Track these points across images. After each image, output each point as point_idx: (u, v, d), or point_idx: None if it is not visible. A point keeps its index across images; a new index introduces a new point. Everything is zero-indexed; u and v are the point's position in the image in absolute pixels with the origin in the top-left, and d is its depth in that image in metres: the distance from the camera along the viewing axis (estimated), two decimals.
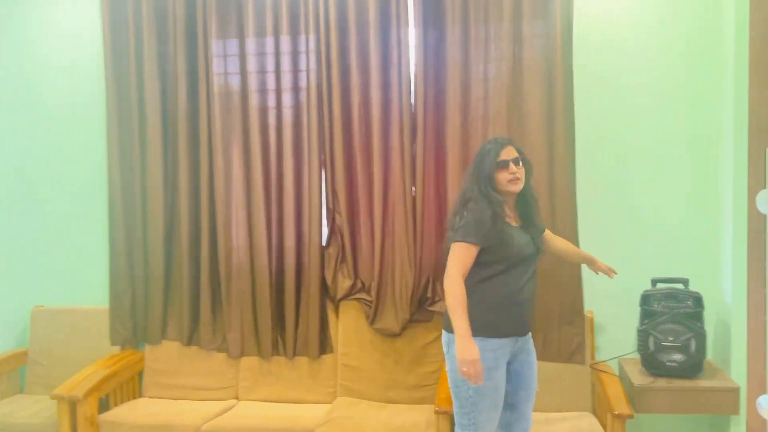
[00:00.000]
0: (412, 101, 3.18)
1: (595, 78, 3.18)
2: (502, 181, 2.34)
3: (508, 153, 2.36)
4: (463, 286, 2.24)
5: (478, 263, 2.29)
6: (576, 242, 3.08)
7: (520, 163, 2.38)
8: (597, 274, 2.75)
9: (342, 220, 3.26)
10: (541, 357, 3.06)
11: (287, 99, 3.30)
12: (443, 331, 2.42)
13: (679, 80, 3.14)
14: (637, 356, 3.10)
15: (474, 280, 2.29)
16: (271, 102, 3.30)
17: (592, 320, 3.19)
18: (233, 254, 3.38)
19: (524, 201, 2.45)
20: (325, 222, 3.34)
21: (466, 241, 2.27)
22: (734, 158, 2.86)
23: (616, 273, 2.73)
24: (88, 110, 3.57)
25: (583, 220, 3.12)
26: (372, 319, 3.24)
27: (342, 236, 3.28)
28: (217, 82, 3.31)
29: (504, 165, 2.33)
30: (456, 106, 3.14)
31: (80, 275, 3.66)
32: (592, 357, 3.18)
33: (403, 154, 3.17)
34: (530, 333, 2.50)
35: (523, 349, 2.46)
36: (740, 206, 2.74)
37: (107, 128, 3.43)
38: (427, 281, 3.25)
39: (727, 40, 2.96)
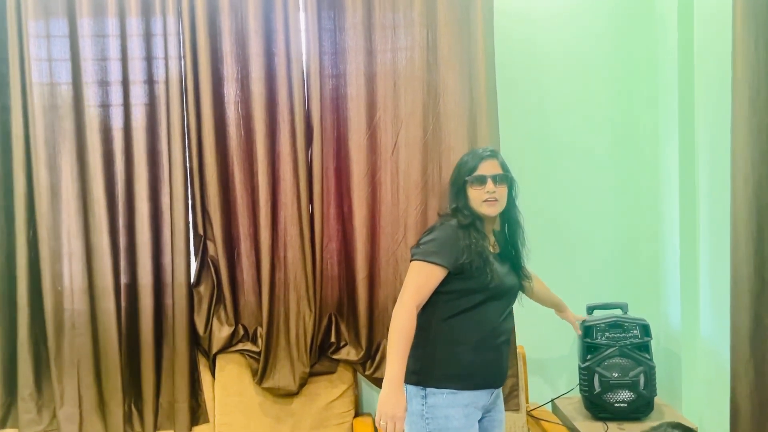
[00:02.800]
0: (306, 96, 2.53)
1: (517, 75, 2.75)
2: (476, 200, 1.92)
3: (488, 167, 1.94)
4: (413, 317, 1.79)
5: (447, 293, 1.87)
6: None
7: (503, 181, 1.95)
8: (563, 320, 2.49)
9: (217, 249, 2.52)
10: None
11: (138, 94, 2.51)
12: (410, 386, 1.88)
13: (611, 73, 2.80)
14: (574, 394, 2.70)
15: (442, 316, 1.88)
16: (115, 97, 2.49)
17: (524, 357, 2.72)
18: (65, 299, 2.51)
19: (506, 227, 2.06)
20: (193, 252, 2.56)
21: (427, 261, 1.83)
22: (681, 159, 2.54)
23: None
24: None
25: None
26: (260, 376, 2.52)
27: (217, 270, 2.54)
28: (36, 69, 2.44)
29: (480, 181, 1.91)
30: (360, 104, 2.55)
31: None
32: (527, 401, 2.70)
33: (296, 164, 2.51)
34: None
35: (495, 404, 2.01)
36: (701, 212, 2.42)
37: None
38: (330, 322, 2.60)
39: (664, 28, 2.64)
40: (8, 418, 2.52)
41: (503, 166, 1.98)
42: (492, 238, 2.01)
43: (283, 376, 2.52)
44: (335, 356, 2.57)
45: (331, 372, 2.59)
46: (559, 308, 2.45)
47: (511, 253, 2.03)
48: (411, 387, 1.85)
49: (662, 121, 2.68)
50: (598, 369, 2.51)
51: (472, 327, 1.88)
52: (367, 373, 2.58)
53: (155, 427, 2.54)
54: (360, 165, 2.55)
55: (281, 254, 2.54)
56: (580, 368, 2.59)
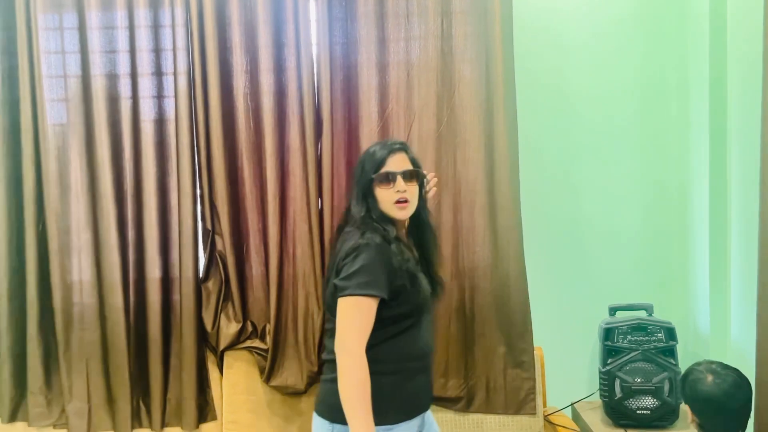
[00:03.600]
0: (315, 88, 2.46)
1: (537, 66, 2.63)
2: (386, 201, 1.71)
3: (397, 163, 1.72)
4: (365, 365, 1.57)
5: (378, 320, 1.64)
6: (521, 263, 2.49)
7: (414, 178, 1.75)
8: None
9: (225, 244, 2.46)
10: (485, 409, 2.49)
11: (146, 86, 2.46)
12: (318, 418, 1.70)
13: (637, 62, 2.66)
14: (593, 399, 2.58)
15: (376, 344, 1.63)
16: (124, 90, 2.45)
17: (542, 359, 2.61)
18: (74, 293, 2.48)
19: (417, 229, 1.85)
20: (201, 247, 2.52)
21: (363, 295, 1.59)
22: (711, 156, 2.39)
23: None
24: None
25: (527, 238, 2.53)
26: (268, 374, 2.46)
27: (225, 266, 2.48)
28: (45, 62, 2.42)
29: (388, 179, 1.70)
30: (371, 95, 2.46)
31: None
32: (545, 405, 2.59)
33: (305, 157, 2.43)
34: None
35: (425, 423, 1.85)
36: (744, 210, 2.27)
37: None
38: None
39: (695, 13, 2.49)
40: (18, 411, 2.51)
41: (413, 161, 1.77)
42: (407, 241, 1.82)
43: (291, 374, 2.46)
44: None
45: None
46: None
47: (425, 259, 1.84)
48: (339, 427, 1.64)
49: (693, 113, 2.53)
50: (619, 374, 2.40)
51: (403, 353, 1.70)
52: None
53: (163, 423, 2.50)
54: None
55: (290, 250, 2.47)
56: (600, 372, 2.48)
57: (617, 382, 2.39)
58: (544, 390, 2.59)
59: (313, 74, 2.45)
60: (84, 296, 2.49)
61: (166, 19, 2.44)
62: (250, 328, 2.51)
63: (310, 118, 2.43)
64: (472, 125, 2.47)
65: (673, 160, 2.63)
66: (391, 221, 1.71)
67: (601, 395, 2.49)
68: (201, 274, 2.51)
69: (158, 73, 2.47)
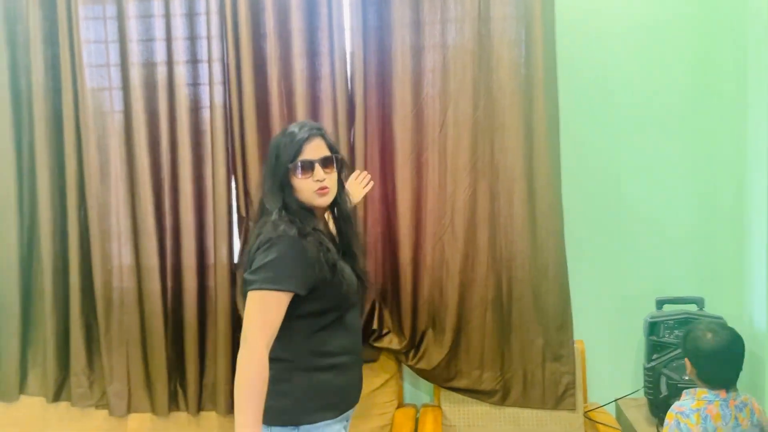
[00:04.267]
0: (348, 73, 2.42)
1: (580, 48, 2.51)
2: (306, 191, 1.61)
3: (314, 150, 1.62)
4: (263, 360, 1.49)
5: (302, 317, 1.59)
6: (561, 252, 2.39)
7: (332, 164, 1.65)
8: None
9: None
10: (522, 403, 2.41)
11: (182, 73, 2.48)
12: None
13: (688, 39, 2.49)
14: (638, 396, 2.47)
15: (301, 342, 1.60)
16: (161, 77, 2.48)
17: (583, 353, 2.51)
18: (113, 278, 2.54)
19: (337, 218, 1.76)
20: (236, 234, 2.53)
21: (270, 289, 1.51)
22: None
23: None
24: None
25: (569, 227, 2.43)
26: None
27: None
28: (86, 51, 2.46)
29: (307, 168, 1.60)
30: (405, 80, 2.40)
31: None
32: (585, 400, 2.49)
33: (338, 143, 2.39)
34: None
35: (349, 421, 1.78)
36: None
37: None
38: (373, 309, 2.49)
39: None
40: (62, 391, 2.60)
41: (331, 146, 1.67)
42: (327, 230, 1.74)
43: None
44: (377, 344, 2.47)
45: (373, 360, 2.49)
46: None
47: (347, 247, 1.74)
48: (277, 429, 1.58)
49: (751, 99, 2.35)
50: (665, 370, 2.27)
51: (336, 346, 1.64)
52: (410, 363, 2.46)
53: (199, 407, 2.54)
54: (405, 145, 2.41)
55: None
56: (644, 368, 2.36)
57: (663, 379, 2.27)
58: (584, 385, 2.50)
59: (346, 59, 2.41)
60: (123, 281, 2.54)
61: (200, 6, 2.45)
62: None
63: (343, 104, 2.40)
64: (510, 110, 2.38)
65: (729, 148, 2.45)
66: (311, 211, 1.64)
67: (645, 392, 2.37)
68: (236, 261, 2.52)
69: (193, 60, 2.48)
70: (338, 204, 1.72)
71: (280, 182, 1.60)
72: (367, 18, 2.41)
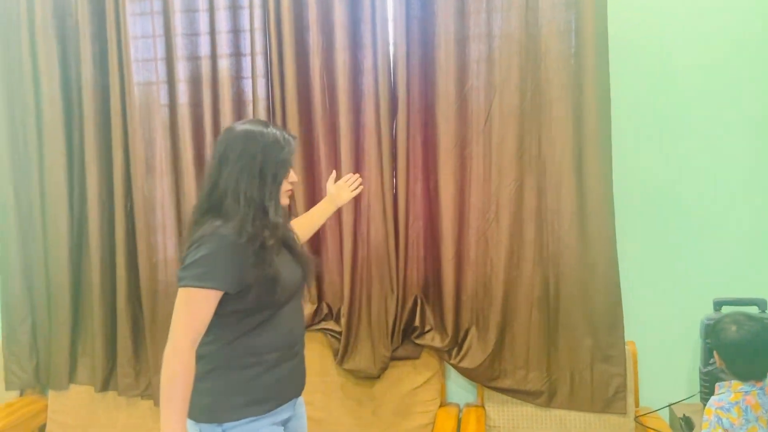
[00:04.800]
0: (391, 65, 2.37)
1: (634, 36, 2.39)
2: (284, 194, 1.69)
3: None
4: (188, 358, 1.48)
5: (230, 315, 1.56)
6: (612, 250, 2.29)
7: None
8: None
9: None
10: (569, 405, 2.31)
11: (225, 66, 2.48)
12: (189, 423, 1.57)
13: (751, 27, 2.34)
14: (694, 401, 2.34)
15: (228, 339, 1.58)
16: (206, 71, 2.49)
17: (635, 355, 2.40)
18: (159, 270, 2.57)
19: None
20: None
21: (198, 287, 1.49)
22: None
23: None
24: None
25: (621, 224, 2.33)
26: (341, 357, 2.43)
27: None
28: (133, 46, 2.50)
29: (288, 171, 1.69)
30: (449, 71, 2.34)
31: None
32: (637, 404, 2.38)
33: (380, 136, 2.37)
34: None
35: (295, 411, 1.79)
36: None
37: None
38: (415, 305, 2.45)
39: None
40: (110, 381, 2.65)
41: None
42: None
43: (363, 358, 2.42)
44: (419, 341, 2.42)
45: (415, 357, 2.44)
46: (326, 212, 2.15)
47: (285, 235, 1.72)
48: (204, 426, 1.57)
49: None
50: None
51: (265, 344, 1.61)
52: (453, 361, 2.40)
53: None
54: (448, 137, 2.35)
55: (364, 231, 2.42)
56: (700, 373, 2.24)
57: None
58: (636, 388, 2.39)
59: (389, 51, 2.37)
60: (168, 273, 2.57)
61: (244, 0, 2.45)
62: (325, 310, 2.50)
63: (385, 96, 2.35)
64: (558, 101, 2.29)
65: None
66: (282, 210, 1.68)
67: (701, 398, 2.25)
68: None
69: (236, 54, 2.49)
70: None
71: (273, 185, 1.60)
72: (411, 8, 2.36)
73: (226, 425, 1.56)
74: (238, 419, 1.56)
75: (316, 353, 2.50)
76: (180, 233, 2.53)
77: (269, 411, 1.61)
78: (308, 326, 2.48)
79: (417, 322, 2.42)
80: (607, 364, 2.32)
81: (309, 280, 1.79)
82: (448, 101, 2.34)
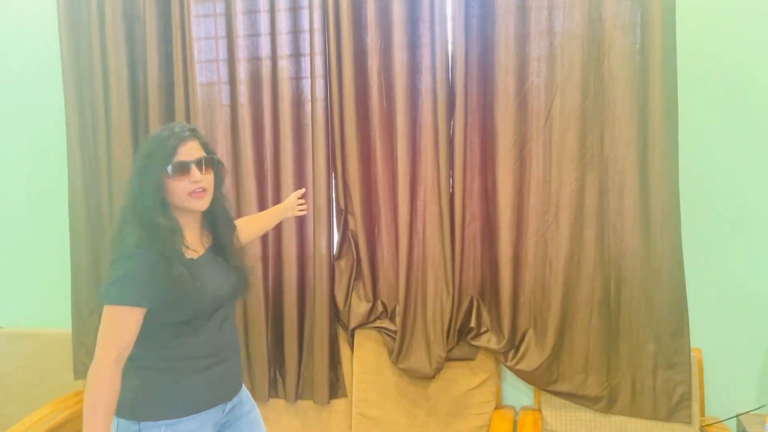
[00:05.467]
0: (449, 63, 2.36)
1: (704, 32, 2.30)
2: (180, 193, 1.55)
3: (190, 151, 1.56)
4: (112, 376, 1.45)
5: (153, 325, 1.53)
6: (677, 252, 2.21)
7: (209, 165, 1.60)
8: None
9: (356, 223, 2.47)
10: (630, 412, 2.25)
11: (285, 67, 2.52)
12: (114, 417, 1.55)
13: None
14: (764, 411, 2.24)
15: (152, 344, 1.55)
16: (266, 72, 2.53)
17: (701, 362, 2.31)
18: None
19: (212, 220, 1.69)
20: (335, 226, 2.55)
21: (120, 305, 1.47)
22: None
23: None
24: (40, 92, 2.88)
25: (687, 225, 2.24)
26: (396, 356, 2.44)
27: (356, 245, 2.49)
28: (196, 47, 2.56)
29: (183, 169, 1.54)
30: (509, 69, 2.31)
31: (43, 290, 3.00)
32: (702, 413, 2.30)
33: (437, 135, 2.35)
34: (242, 386, 1.80)
35: (236, 411, 1.75)
36: None
37: (65, 110, 2.70)
38: (471, 305, 2.43)
39: None
40: None
41: (206, 147, 1.61)
42: (200, 234, 1.67)
43: (418, 358, 2.41)
44: (475, 342, 2.40)
45: (471, 359, 2.42)
46: (282, 211, 2.12)
47: (222, 245, 1.68)
48: (123, 422, 1.56)
49: None
50: None
51: (188, 350, 1.58)
52: (509, 363, 2.37)
53: (297, 395, 2.59)
54: (507, 136, 2.31)
55: (420, 231, 2.41)
56: None
57: None
58: (702, 397, 2.30)
59: (447, 50, 2.35)
60: None
61: (304, 0, 2.48)
62: (380, 308, 2.51)
63: (443, 95, 2.34)
64: (622, 99, 2.23)
65: None
66: (175, 221, 1.57)
67: None
68: (334, 252, 2.54)
69: (296, 54, 2.52)
70: (216, 205, 1.67)
71: (154, 185, 1.53)
72: (470, 6, 2.34)
73: (144, 424, 1.55)
74: (156, 419, 1.55)
75: (371, 351, 2.52)
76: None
77: (190, 414, 1.59)
78: (363, 324, 2.50)
79: (473, 323, 2.40)
80: (671, 371, 2.24)
81: (242, 291, 1.73)
82: (508, 100, 2.30)
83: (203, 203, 1.59)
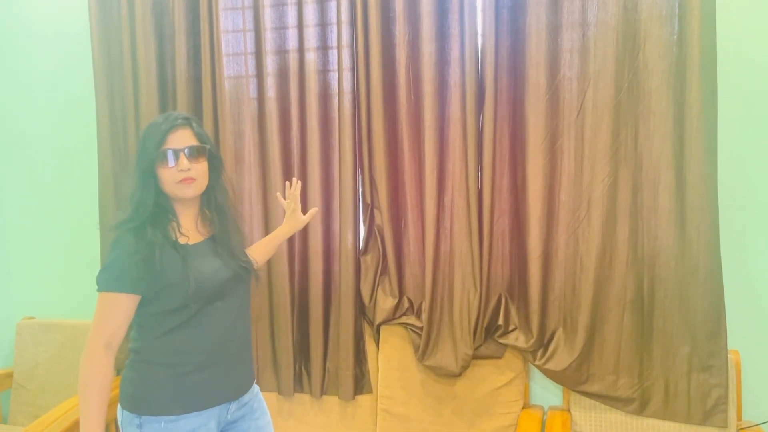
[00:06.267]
0: (479, 56, 2.31)
1: (747, 20, 2.21)
2: (169, 181, 1.56)
3: (180, 139, 1.56)
4: (102, 361, 1.49)
5: (151, 315, 1.56)
6: (715, 251, 2.13)
7: (200, 154, 1.60)
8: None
9: (383, 218, 2.44)
10: (662, 415, 2.18)
11: (312, 60, 2.50)
12: (119, 408, 1.61)
13: None
14: None
15: (154, 334, 1.57)
16: (293, 65, 2.52)
17: (738, 364, 2.23)
18: None
19: (212, 205, 1.69)
20: (361, 220, 2.52)
21: (110, 291, 1.51)
22: None
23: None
24: (72, 86, 2.91)
25: (724, 224, 2.16)
26: (422, 353, 2.41)
27: (383, 240, 2.46)
28: (224, 41, 2.56)
29: (171, 157, 1.55)
30: (540, 61, 2.25)
31: (73, 282, 3.04)
32: (739, 417, 2.22)
33: (465, 129, 2.31)
34: (255, 386, 1.80)
35: (245, 415, 1.73)
36: None
37: (96, 103, 2.73)
38: (499, 303, 2.38)
39: None
40: None
41: (199, 136, 1.60)
42: (199, 223, 1.67)
43: (444, 355, 2.38)
44: (502, 340, 2.35)
45: (498, 357, 2.38)
46: (280, 237, 2.05)
47: (223, 236, 1.67)
48: (126, 413, 1.57)
49: None
50: None
51: (191, 342, 1.57)
52: (537, 363, 2.32)
53: (322, 390, 2.57)
54: (537, 130, 2.26)
55: (447, 226, 2.37)
56: None
57: None
58: (739, 401, 2.22)
59: (476, 42, 2.31)
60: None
61: None
62: (406, 304, 2.48)
63: (472, 88, 2.29)
64: (658, 92, 2.16)
65: None
66: (172, 211, 1.60)
67: None
68: (360, 247, 2.52)
69: (323, 47, 2.50)
70: (214, 197, 1.68)
71: (145, 173, 1.55)
72: None
73: (145, 418, 1.55)
74: (156, 414, 1.55)
75: (397, 347, 2.49)
76: (267, 225, 2.57)
77: (187, 413, 1.57)
78: (389, 320, 2.47)
79: (501, 321, 2.35)
80: (706, 373, 2.17)
81: (243, 280, 1.70)
82: (538, 93, 2.25)
83: (190, 191, 1.58)
